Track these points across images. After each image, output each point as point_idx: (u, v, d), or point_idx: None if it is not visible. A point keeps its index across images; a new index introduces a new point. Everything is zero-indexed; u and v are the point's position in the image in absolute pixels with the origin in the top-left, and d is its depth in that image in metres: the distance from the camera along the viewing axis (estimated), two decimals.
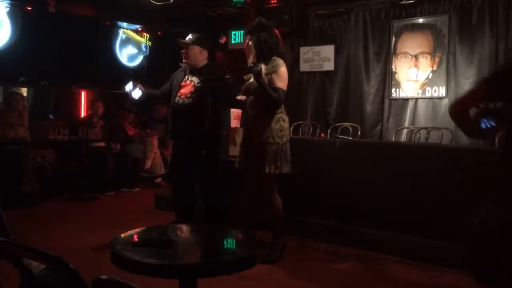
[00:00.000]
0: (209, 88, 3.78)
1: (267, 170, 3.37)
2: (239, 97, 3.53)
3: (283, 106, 3.48)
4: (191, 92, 3.89)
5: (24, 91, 7.20)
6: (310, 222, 4.15)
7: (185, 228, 2.24)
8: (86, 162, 5.78)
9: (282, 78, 3.39)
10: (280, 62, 3.43)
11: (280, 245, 3.57)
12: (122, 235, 1.82)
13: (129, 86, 4.02)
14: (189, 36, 4.02)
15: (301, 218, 4.18)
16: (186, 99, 3.90)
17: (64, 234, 4.21)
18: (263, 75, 3.33)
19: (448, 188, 3.60)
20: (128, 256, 1.59)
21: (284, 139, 3.43)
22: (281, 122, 3.43)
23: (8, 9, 6.49)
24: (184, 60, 4.02)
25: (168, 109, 4.22)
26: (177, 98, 3.94)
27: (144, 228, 1.99)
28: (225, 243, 2.08)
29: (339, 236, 3.96)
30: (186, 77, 3.99)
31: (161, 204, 5.25)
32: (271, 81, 3.36)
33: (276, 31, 3.60)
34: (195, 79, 3.92)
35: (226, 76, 3.70)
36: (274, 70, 3.39)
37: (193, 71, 3.99)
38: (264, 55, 3.46)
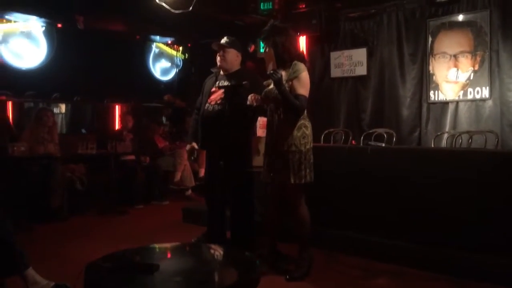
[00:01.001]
0: (232, 94, 3.58)
1: (292, 180, 3.18)
2: (249, 102, 3.32)
3: (305, 112, 3.27)
4: (221, 98, 3.68)
5: (62, 107, 7.40)
6: (339, 235, 3.88)
7: (174, 248, 2.05)
8: (116, 176, 5.76)
9: (303, 84, 3.19)
10: (301, 66, 3.23)
11: (307, 260, 3.34)
12: (99, 258, 1.65)
13: (193, 155, 3.99)
14: (225, 39, 3.78)
15: (329, 230, 3.92)
16: (216, 105, 3.69)
17: (91, 248, 4.11)
18: (284, 82, 3.16)
19: (494, 197, 3.25)
20: (101, 285, 1.41)
21: (308, 147, 3.23)
22: (303, 129, 3.23)
23: (44, 28, 6.68)
24: (219, 64, 3.79)
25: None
26: (207, 105, 3.75)
27: (130, 249, 1.82)
28: (215, 266, 1.87)
29: (371, 250, 3.67)
30: (218, 82, 3.79)
31: (188, 217, 5.14)
32: (292, 88, 3.17)
33: (294, 32, 3.41)
34: (226, 84, 3.72)
35: (244, 82, 3.50)
36: (295, 76, 3.19)
37: (225, 76, 3.79)
38: (284, 60, 3.27)
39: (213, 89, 3.77)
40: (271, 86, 3.28)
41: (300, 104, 3.15)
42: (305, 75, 3.21)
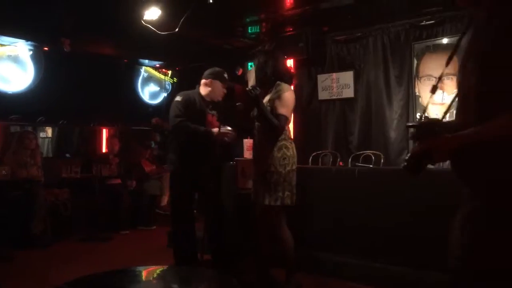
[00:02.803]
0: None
1: (266, 202, 3.12)
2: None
3: (287, 133, 3.23)
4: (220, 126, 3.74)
5: (48, 131, 7.31)
6: (328, 259, 3.80)
7: (149, 271, 1.97)
8: (101, 200, 5.65)
9: (284, 104, 3.17)
10: (285, 87, 3.22)
11: (294, 285, 3.25)
12: (67, 282, 1.57)
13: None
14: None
15: (318, 254, 3.84)
16: None
17: (72, 275, 4.00)
18: (267, 101, 3.13)
19: None
20: None
21: (288, 168, 3.16)
22: (284, 149, 3.17)
23: (31, 52, 6.65)
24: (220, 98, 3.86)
25: None
26: None
27: (102, 272, 1.74)
28: None
29: (361, 273, 3.58)
30: (211, 110, 3.86)
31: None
32: (273, 107, 3.15)
33: (280, 54, 3.42)
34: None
35: (238, 104, 3.53)
36: (277, 95, 3.18)
37: (210, 104, 3.88)
38: (263, 81, 3.26)
39: (210, 116, 3.78)
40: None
41: (279, 124, 3.12)
42: (287, 95, 3.19)
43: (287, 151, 3.18)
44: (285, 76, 3.30)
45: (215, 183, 3.67)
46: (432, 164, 1.62)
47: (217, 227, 3.75)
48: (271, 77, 3.25)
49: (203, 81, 3.85)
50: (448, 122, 1.69)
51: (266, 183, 3.14)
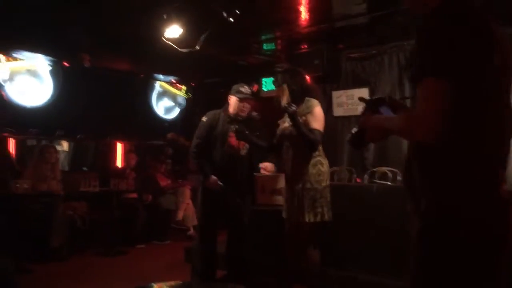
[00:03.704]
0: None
1: (306, 219, 3.13)
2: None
3: (321, 149, 3.25)
4: (245, 144, 3.79)
5: (65, 145, 7.40)
6: (346, 276, 3.78)
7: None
8: (117, 214, 5.69)
9: (317, 118, 3.20)
10: (314, 102, 3.27)
11: None
12: None
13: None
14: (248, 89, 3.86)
15: (336, 272, 3.82)
16: (238, 150, 3.82)
17: None
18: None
19: None
20: None
21: (324, 184, 3.19)
22: (319, 165, 3.20)
23: (50, 67, 6.77)
24: (242, 112, 3.79)
25: None
26: (228, 148, 3.85)
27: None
28: None
29: None
30: (232, 127, 3.80)
31: (191, 257, 5.02)
32: (306, 123, 3.17)
33: (302, 74, 3.47)
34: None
35: (254, 113, 3.64)
36: (308, 111, 3.21)
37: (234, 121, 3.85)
38: (297, 98, 3.28)
39: (230, 134, 3.76)
40: (286, 123, 3.29)
41: (315, 138, 3.14)
42: (318, 110, 3.23)
43: (322, 167, 3.21)
44: (313, 92, 3.35)
45: (242, 200, 3.67)
46: (365, 143, 1.61)
47: (238, 244, 3.76)
48: (301, 93, 3.28)
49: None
50: (400, 103, 1.69)
51: (303, 200, 3.14)
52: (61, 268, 4.87)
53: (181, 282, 2.80)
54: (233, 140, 3.76)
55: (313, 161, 3.18)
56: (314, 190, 3.14)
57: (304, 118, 3.18)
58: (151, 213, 6.17)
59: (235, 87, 3.85)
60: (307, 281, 3.28)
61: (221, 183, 3.70)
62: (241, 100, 3.75)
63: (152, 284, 2.20)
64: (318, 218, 3.13)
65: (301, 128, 3.10)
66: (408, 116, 1.42)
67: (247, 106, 3.77)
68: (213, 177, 3.71)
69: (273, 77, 3.55)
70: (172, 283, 2.78)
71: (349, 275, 3.78)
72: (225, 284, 3.51)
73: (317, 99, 3.33)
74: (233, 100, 3.79)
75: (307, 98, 3.28)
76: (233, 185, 3.73)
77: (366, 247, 3.79)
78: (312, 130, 3.14)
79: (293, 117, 3.08)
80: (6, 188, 4.84)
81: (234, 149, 3.76)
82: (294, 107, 3.09)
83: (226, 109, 3.84)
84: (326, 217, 3.17)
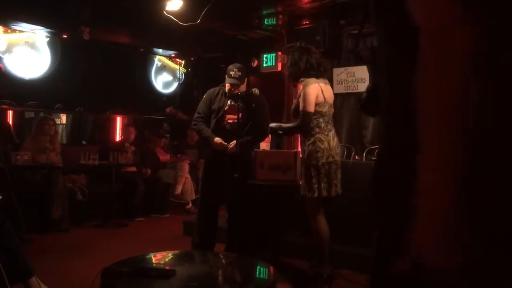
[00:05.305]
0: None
1: (302, 192, 3.28)
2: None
3: (323, 126, 3.30)
4: (239, 118, 3.87)
5: (63, 117, 7.39)
6: (341, 251, 3.85)
7: (188, 255, 2.04)
8: (117, 187, 5.73)
9: (303, 99, 3.27)
10: (306, 82, 3.30)
11: (324, 277, 3.30)
12: (115, 263, 1.64)
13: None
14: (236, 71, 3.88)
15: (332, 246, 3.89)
16: (233, 123, 3.95)
17: (92, 260, 4.10)
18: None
19: None
20: None
21: (322, 161, 3.24)
22: (318, 143, 3.26)
23: (48, 39, 6.70)
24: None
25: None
26: (224, 122, 3.99)
27: (143, 255, 1.81)
28: (230, 273, 1.86)
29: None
30: (229, 101, 3.94)
31: (190, 230, 5.09)
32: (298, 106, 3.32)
33: (313, 49, 3.47)
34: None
35: (253, 89, 3.75)
36: (299, 94, 3.35)
37: (233, 96, 3.93)
38: (296, 76, 3.39)
39: (226, 107, 3.89)
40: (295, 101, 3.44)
41: (299, 123, 3.29)
42: (307, 91, 3.26)
43: (321, 143, 3.26)
44: (321, 67, 3.36)
45: (241, 174, 3.72)
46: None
47: (237, 216, 3.84)
48: (304, 71, 3.30)
49: None
50: None
51: (303, 176, 3.29)
52: (62, 238, 4.93)
53: (177, 252, 2.83)
54: (229, 114, 3.89)
55: (312, 139, 3.27)
56: (312, 166, 3.23)
57: (299, 100, 3.30)
58: (150, 187, 6.21)
59: (230, 66, 3.92)
60: (315, 254, 3.37)
61: (225, 143, 3.82)
62: (228, 83, 3.89)
63: (150, 254, 2.23)
64: (316, 194, 3.21)
65: (287, 131, 3.53)
66: None
67: (233, 89, 3.84)
68: (217, 138, 3.82)
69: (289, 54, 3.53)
70: (168, 253, 2.81)
71: (343, 249, 3.85)
72: (217, 252, 3.61)
73: (324, 75, 3.42)
74: (226, 79, 3.91)
75: (302, 79, 3.33)
76: (231, 158, 3.83)
77: (360, 222, 3.84)
78: (300, 114, 3.26)
79: (276, 131, 3.52)
80: (7, 160, 4.85)
81: (230, 123, 3.90)
82: (272, 125, 3.51)
83: (224, 85, 3.97)
84: (325, 193, 3.22)
